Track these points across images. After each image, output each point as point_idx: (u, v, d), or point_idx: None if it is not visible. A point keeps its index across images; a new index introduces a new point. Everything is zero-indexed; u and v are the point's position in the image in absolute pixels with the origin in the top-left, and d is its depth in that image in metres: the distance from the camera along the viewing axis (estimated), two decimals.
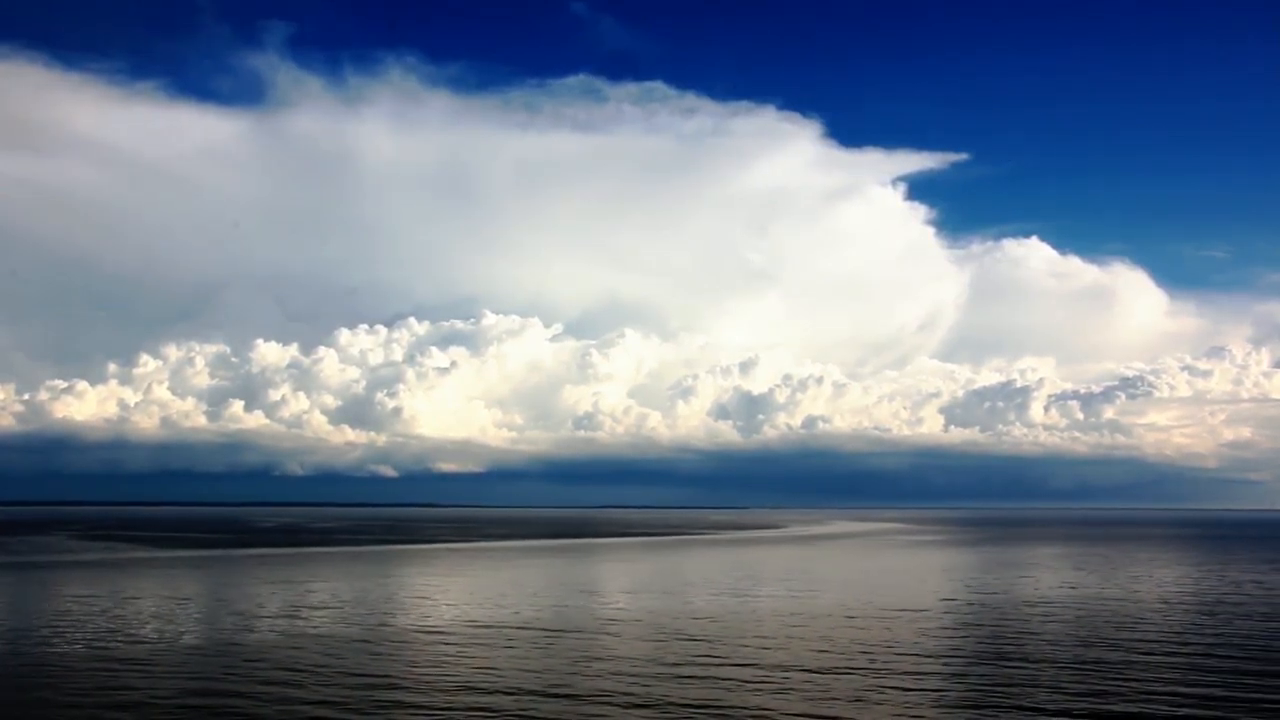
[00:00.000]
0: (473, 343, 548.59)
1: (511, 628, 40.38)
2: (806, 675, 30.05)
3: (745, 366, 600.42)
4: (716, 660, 32.69)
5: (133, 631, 39.01)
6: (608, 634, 38.86)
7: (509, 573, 72.60)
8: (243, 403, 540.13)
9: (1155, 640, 37.45)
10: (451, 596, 53.38)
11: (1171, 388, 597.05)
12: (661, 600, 51.34)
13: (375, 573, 70.30)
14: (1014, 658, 33.26)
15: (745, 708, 25.79)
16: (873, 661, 32.43)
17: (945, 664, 32.14)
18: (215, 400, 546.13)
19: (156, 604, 48.82)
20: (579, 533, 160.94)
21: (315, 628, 40.19)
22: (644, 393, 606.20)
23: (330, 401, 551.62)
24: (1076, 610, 47.16)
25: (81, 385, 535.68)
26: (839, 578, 68.63)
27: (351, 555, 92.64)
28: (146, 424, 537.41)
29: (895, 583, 64.08)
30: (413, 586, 59.67)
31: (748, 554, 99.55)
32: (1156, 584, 62.71)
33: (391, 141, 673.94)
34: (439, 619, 43.15)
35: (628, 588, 59.88)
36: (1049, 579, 66.56)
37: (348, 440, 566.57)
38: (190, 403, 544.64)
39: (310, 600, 50.57)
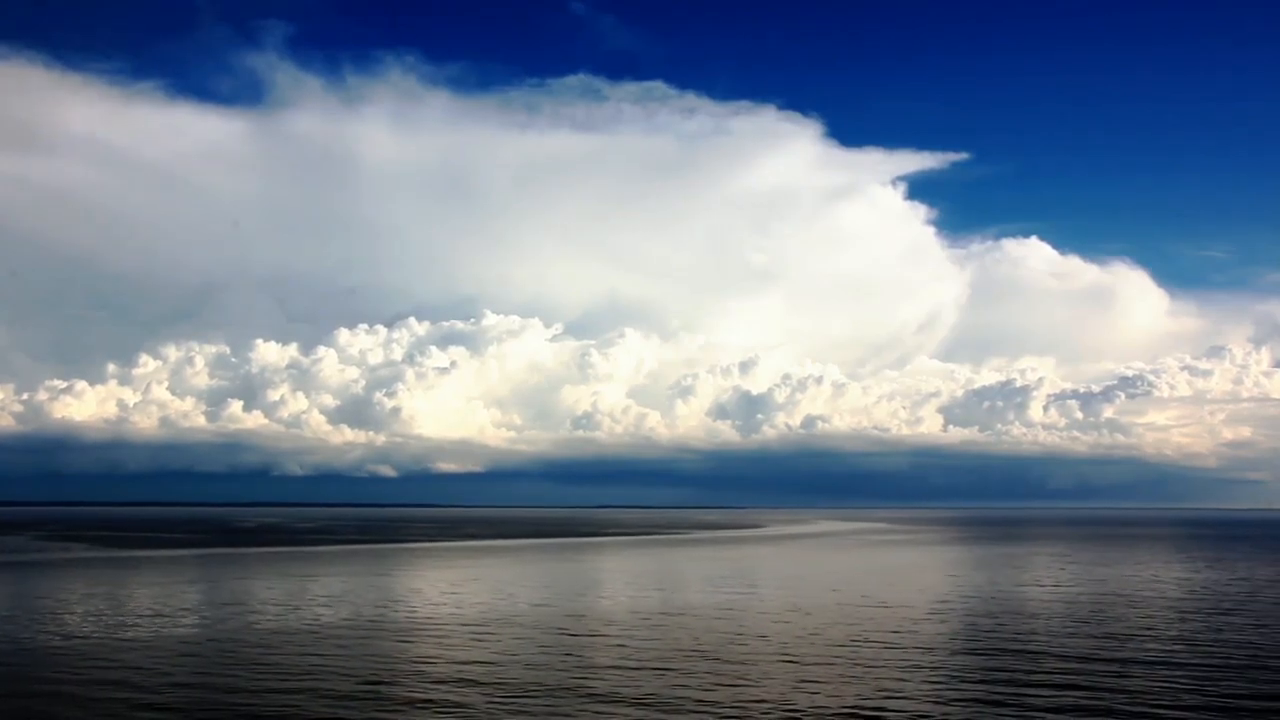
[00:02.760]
0: (473, 343, 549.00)
1: (369, 624, 40.68)
2: (616, 670, 30.30)
3: (745, 366, 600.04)
4: (559, 654, 32.96)
5: (8, 629, 39.45)
6: (468, 631, 39.14)
7: (444, 572, 72.89)
8: (242, 403, 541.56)
9: (1020, 635, 37.64)
10: (366, 595, 53.60)
11: (1171, 387, 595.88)
12: (573, 600, 51.61)
13: (315, 572, 70.57)
14: (860, 647, 33.50)
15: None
16: (684, 659, 32.64)
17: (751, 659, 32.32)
18: (214, 400, 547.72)
19: (53, 603, 49.21)
20: (557, 532, 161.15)
21: (189, 626, 40.53)
22: (643, 393, 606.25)
23: (329, 401, 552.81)
24: (965, 609, 47.29)
25: (81, 385, 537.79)
26: (773, 577, 68.86)
27: (311, 555, 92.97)
28: (146, 424, 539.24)
29: (822, 581, 64.13)
30: (334, 585, 59.88)
31: (707, 553, 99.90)
32: (1079, 582, 62.72)
33: (391, 141, 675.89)
34: (324, 617, 43.44)
35: (551, 586, 60.17)
36: (974, 578, 66.78)
37: (347, 440, 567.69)
38: (189, 403, 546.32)
39: (216, 598, 50.93)
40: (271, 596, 52.73)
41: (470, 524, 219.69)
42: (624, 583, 63.91)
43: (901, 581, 64.37)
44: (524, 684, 28.65)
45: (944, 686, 28.40)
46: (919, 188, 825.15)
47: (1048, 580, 64.93)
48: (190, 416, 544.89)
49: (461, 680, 29.22)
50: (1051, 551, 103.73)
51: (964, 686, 28.40)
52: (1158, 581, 63.88)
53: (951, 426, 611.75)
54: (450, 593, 55.55)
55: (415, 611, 45.92)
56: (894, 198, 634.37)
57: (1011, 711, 25.39)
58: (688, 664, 31.85)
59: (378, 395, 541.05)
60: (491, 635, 38.38)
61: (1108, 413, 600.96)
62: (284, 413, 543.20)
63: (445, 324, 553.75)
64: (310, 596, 52.71)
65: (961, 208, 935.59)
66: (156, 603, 49.40)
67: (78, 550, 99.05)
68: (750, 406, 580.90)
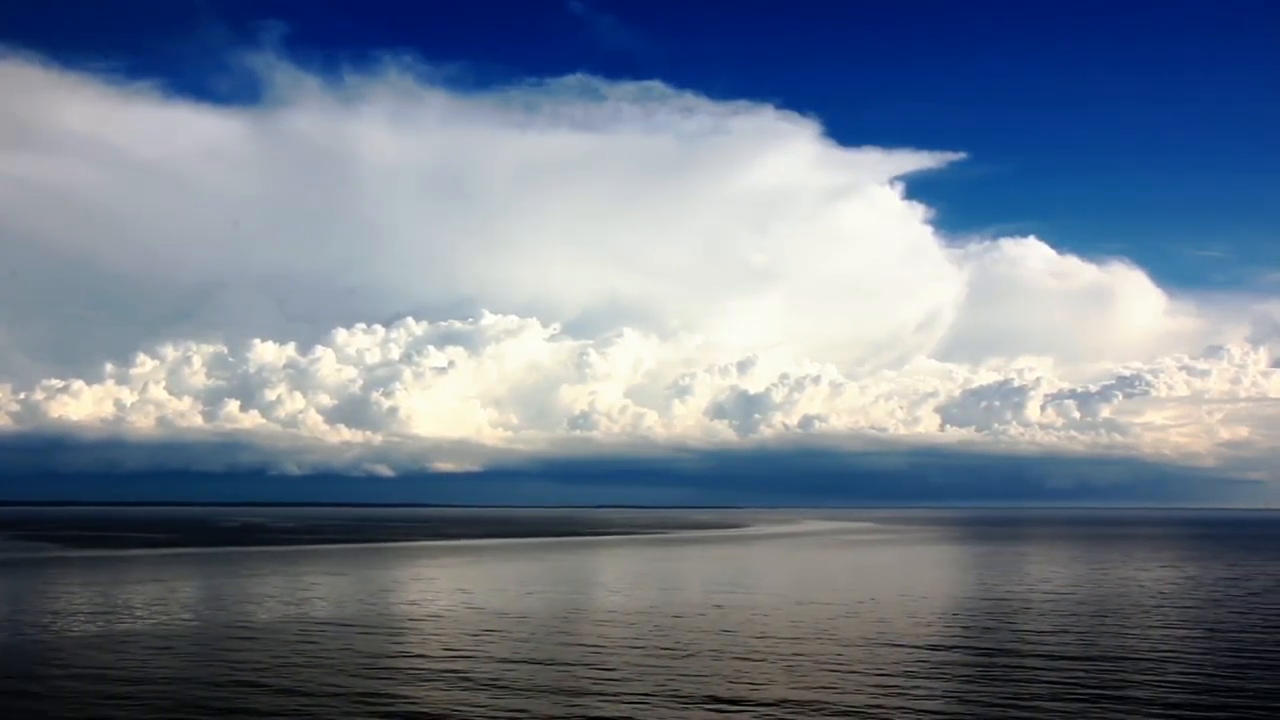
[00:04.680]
0: (471, 342, 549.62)
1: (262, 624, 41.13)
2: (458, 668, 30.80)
3: (743, 366, 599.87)
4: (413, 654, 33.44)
5: None
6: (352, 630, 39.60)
7: (394, 572, 73.37)
8: (239, 402, 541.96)
9: (909, 631, 38.09)
10: (295, 595, 54.07)
11: (1170, 387, 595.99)
12: (500, 599, 52.11)
13: (263, 571, 71.03)
14: (728, 645, 33.95)
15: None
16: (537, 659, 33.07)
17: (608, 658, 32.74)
18: (212, 400, 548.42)
19: None
20: (539, 532, 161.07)
21: (99, 623, 41.02)
22: (641, 392, 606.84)
23: (327, 401, 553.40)
24: (884, 606, 47.68)
25: (78, 385, 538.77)
26: (718, 576, 69.34)
27: (277, 555, 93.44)
28: (143, 424, 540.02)
29: (762, 581, 64.59)
30: (274, 584, 60.36)
31: (671, 554, 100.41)
32: (1019, 581, 63.02)
33: (389, 141, 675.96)
34: (237, 615, 43.91)
35: (491, 586, 60.66)
36: (919, 577, 67.27)
37: (344, 440, 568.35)
38: (187, 402, 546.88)
39: (145, 597, 51.44)
40: (202, 595, 53.24)
41: (456, 524, 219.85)
42: (563, 582, 64.35)
43: (841, 581, 64.76)
44: (398, 674, 29.13)
45: (807, 677, 28.79)
46: (917, 187, 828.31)
47: (990, 579, 65.21)
48: (187, 416, 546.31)
49: (339, 670, 29.69)
50: (1018, 552, 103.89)
51: (824, 676, 28.81)
52: (1102, 581, 63.98)
53: (949, 426, 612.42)
54: (382, 593, 56.06)
55: (333, 610, 46.37)
56: (892, 197, 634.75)
57: (855, 697, 25.81)
58: (568, 656, 32.31)
59: (375, 395, 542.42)
60: (390, 633, 38.86)
61: (1105, 412, 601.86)
62: (281, 412, 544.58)
63: (443, 324, 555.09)
64: (240, 596, 53.20)
65: (960, 207, 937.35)
66: (83, 601, 49.86)
67: (49, 550, 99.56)
68: (748, 406, 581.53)
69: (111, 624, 40.57)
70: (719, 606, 47.18)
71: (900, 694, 26.89)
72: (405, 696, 26.59)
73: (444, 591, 55.45)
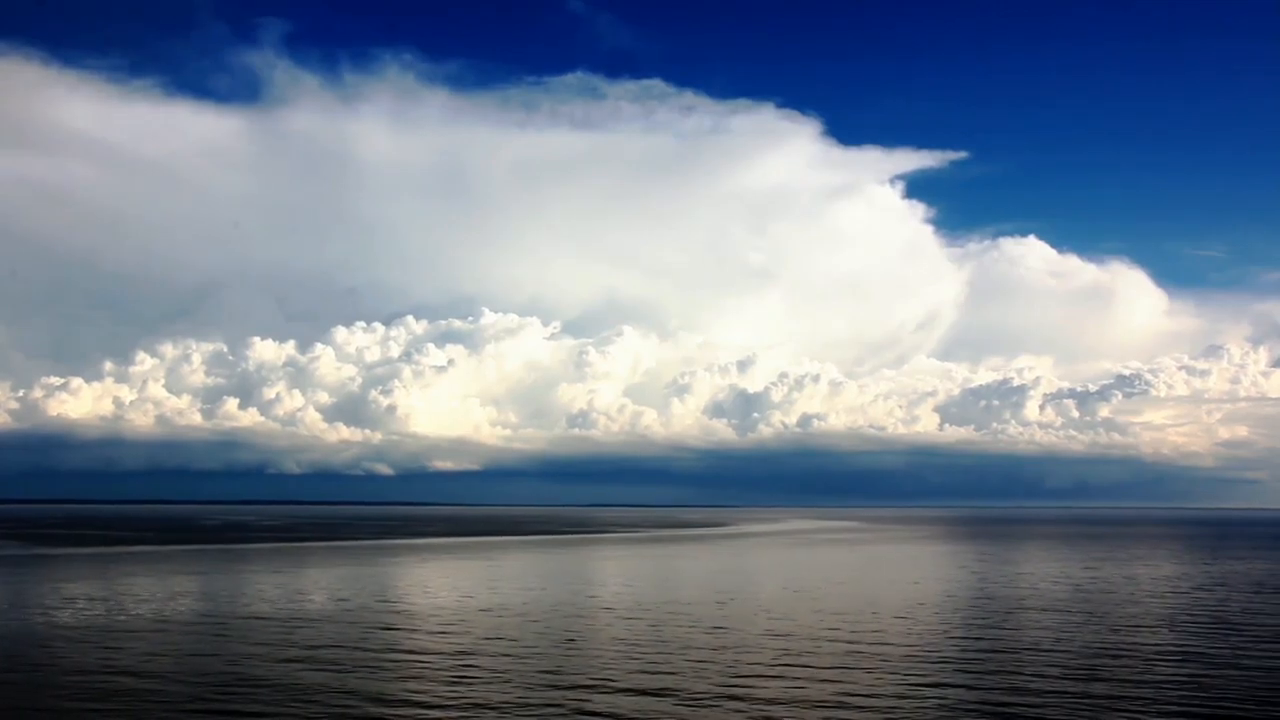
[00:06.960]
0: (470, 341, 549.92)
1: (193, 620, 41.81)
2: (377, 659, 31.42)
3: (742, 365, 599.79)
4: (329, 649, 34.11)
5: None
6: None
7: (341, 570, 74.08)
8: (238, 400, 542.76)
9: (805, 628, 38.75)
10: (224, 593, 54.81)
11: (1169, 386, 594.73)
12: (407, 596, 52.71)
13: (212, 570, 71.80)
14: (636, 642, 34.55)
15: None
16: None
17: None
18: (211, 398, 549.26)
19: None
20: (518, 531, 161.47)
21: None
22: (640, 391, 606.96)
23: (325, 399, 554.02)
24: (800, 602, 48.30)
25: (77, 382, 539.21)
26: (663, 575, 69.93)
27: (241, 554, 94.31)
28: (142, 422, 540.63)
29: (700, 579, 65.17)
30: (217, 582, 61.11)
31: (636, 553, 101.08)
32: (955, 579, 63.60)
33: (389, 140, 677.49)
34: (151, 613, 44.60)
35: (423, 584, 61.32)
36: (866, 576, 67.64)
37: (343, 438, 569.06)
38: (186, 400, 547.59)
39: (66, 595, 52.13)
40: (122, 592, 53.94)
41: (440, 522, 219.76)
42: (497, 581, 64.95)
43: (777, 579, 65.35)
44: (263, 663, 29.79)
45: (668, 666, 29.41)
46: (917, 186, 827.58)
47: (927, 576, 65.84)
48: (186, 414, 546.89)
49: (212, 657, 30.36)
50: (983, 551, 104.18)
51: (685, 665, 29.43)
52: (1043, 580, 64.07)
53: (948, 425, 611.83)
54: (300, 591, 56.66)
55: (238, 607, 47.08)
56: (892, 196, 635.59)
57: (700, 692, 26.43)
58: (445, 648, 32.93)
59: (374, 393, 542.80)
60: (284, 627, 39.52)
61: (1104, 412, 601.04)
62: (280, 411, 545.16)
63: (443, 322, 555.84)
64: (162, 594, 53.92)
65: (960, 206, 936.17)
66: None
67: (10, 548, 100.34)
68: (747, 405, 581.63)
69: (21, 619, 41.31)
70: (640, 604, 47.69)
71: (745, 685, 27.52)
72: (266, 679, 27.27)
73: (368, 590, 56.12)
